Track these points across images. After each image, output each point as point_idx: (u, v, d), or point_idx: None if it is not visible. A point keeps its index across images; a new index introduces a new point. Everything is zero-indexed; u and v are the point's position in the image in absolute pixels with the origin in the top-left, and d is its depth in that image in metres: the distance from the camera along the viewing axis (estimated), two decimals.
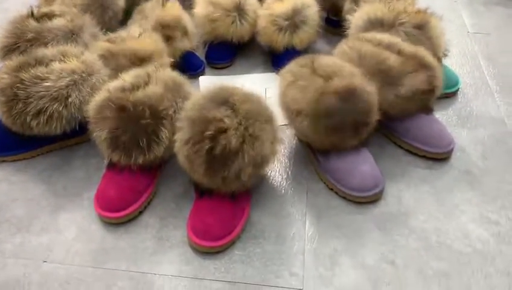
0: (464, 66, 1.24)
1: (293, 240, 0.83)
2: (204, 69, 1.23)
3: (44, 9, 1.08)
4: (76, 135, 0.98)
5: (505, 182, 0.93)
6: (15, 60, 0.93)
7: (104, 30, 1.15)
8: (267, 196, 0.91)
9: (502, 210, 0.88)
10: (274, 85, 1.15)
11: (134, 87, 0.88)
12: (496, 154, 0.99)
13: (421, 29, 1.06)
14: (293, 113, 0.90)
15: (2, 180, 0.95)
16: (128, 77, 0.90)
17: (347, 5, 1.25)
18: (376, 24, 1.08)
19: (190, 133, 0.81)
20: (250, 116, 0.81)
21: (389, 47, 0.98)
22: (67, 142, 1.00)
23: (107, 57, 1.03)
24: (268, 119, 0.85)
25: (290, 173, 0.96)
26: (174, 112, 0.87)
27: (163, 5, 1.17)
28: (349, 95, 0.85)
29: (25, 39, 1.02)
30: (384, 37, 1.01)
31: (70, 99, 0.90)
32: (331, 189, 0.91)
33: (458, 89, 1.14)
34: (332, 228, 0.85)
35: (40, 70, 0.90)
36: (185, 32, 1.17)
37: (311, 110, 0.86)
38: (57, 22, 1.05)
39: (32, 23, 1.04)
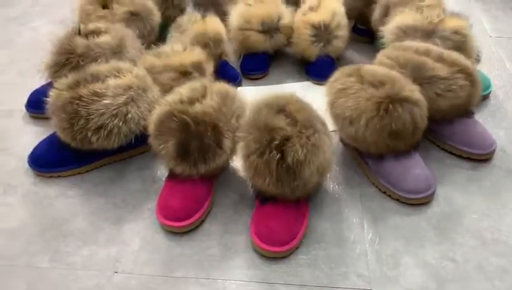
0: (491, 70, 1.28)
1: (354, 243, 0.86)
2: (241, 80, 1.26)
3: (91, 27, 1.11)
4: (130, 148, 1.00)
5: None
6: (71, 76, 0.96)
7: (144, 45, 1.18)
8: (323, 201, 0.94)
9: None
10: (311, 94, 1.19)
11: (192, 100, 0.90)
12: None
13: (456, 35, 1.10)
14: (345, 120, 0.93)
15: (59, 195, 0.97)
16: (184, 90, 0.93)
17: (376, 14, 1.29)
18: (411, 32, 1.12)
19: (256, 143, 0.83)
20: (308, 124, 0.85)
21: (428, 54, 1.02)
22: (120, 155, 1.02)
23: (154, 71, 1.06)
24: (323, 128, 0.88)
25: (341, 178, 0.99)
26: (233, 122, 0.90)
27: (202, 19, 1.20)
28: (405, 101, 0.89)
29: (76, 54, 1.04)
30: (421, 44, 1.05)
31: (129, 115, 0.93)
32: (384, 192, 0.94)
33: (490, 91, 1.18)
34: (390, 229, 0.88)
35: (98, 86, 0.93)
36: (223, 45, 1.20)
37: (369, 117, 0.89)
38: (104, 38, 1.08)
39: (81, 40, 1.07)
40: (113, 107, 0.92)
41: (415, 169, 0.92)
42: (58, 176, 1.00)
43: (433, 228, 0.88)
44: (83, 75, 0.95)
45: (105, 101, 0.92)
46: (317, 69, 1.25)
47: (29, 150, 1.04)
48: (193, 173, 0.89)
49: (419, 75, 0.97)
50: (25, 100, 1.19)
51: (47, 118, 1.12)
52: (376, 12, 1.28)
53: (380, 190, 0.95)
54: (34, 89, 1.18)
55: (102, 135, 0.92)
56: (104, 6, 1.24)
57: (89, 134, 0.92)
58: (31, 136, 1.11)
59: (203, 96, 0.92)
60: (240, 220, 0.90)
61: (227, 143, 0.88)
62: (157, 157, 0.92)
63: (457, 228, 0.88)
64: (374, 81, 0.93)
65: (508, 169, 0.99)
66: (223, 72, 1.21)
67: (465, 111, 1.00)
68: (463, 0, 1.63)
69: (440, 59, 1.00)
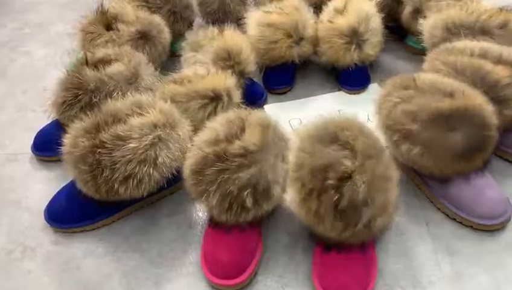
0: None
1: (432, 283, 0.76)
2: (266, 97, 1.15)
3: (99, 54, 0.98)
4: (159, 191, 0.89)
5: None
6: (87, 118, 0.83)
7: (158, 70, 1.06)
8: (387, 236, 0.83)
9: None
10: (348, 106, 1.09)
11: (230, 137, 0.78)
12: None
13: (504, 28, 0.99)
14: (402, 136, 0.82)
15: (87, 254, 0.85)
16: (219, 125, 0.81)
17: (406, 11, 1.17)
18: (456, 31, 1.01)
19: (309, 183, 0.72)
20: (369, 153, 0.73)
21: (485, 56, 0.91)
22: (149, 200, 0.91)
23: (178, 101, 0.93)
24: (384, 154, 0.77)
25: (401, 205, 0.88)
26: (279, 161, 0.79)
27: (221, 33, 1.07)
28: (477, 113, 0.78)
29: (88, 90, 0.91)
30: (474, 44, 0.94)
31: (160, 160, 0.80)
32: (454, 219, 0.84)
33: None
34: (468, 263, 0.78)
35: (120, 129, 0.80)
36: (248, 61, 1.08)
37: (437, 129, 0.78)
38: (117, 67, 0.96)
39: (91, 72, 0.94)
40: (140, 151, 0.79)
41: (488, 190, 0.82)
42: (82, 231, 0.88)
43: None
44: (101, 117, 0.83)
45: (130, 145, 0.79)
46: (350, 78, 1.14)
47: (43, 201, 0.92)
48: (240, 221, 0.77)
49: (481, 82, 0.86)
50: (28, 140, 1.06)
51: (58, 160, 1.02)
52: (407, 9, 1.17)
53: (448, 215, 0.85)
54: (40, 128, 1.05)
55: (130, 185, 0.80)
56: (108, 27, 1.11)
57: (116, 185, 0.80)
58: (43, 183, 0.99)
59: (242, 130, 0.80)
60: (298, 270, 0.79)
61: (277, 187, 0.77)
62: (195, 201, 0.81)
63: None
64: (435, 92, 0.82)
65: None
66: (248, 89, 1.09)
67: None
68: None
69: (499, 60, 0.89)
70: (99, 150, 0.78)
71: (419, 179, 0.89)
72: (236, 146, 0.76)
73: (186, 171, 0.78)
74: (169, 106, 0.88)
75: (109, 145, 0.79)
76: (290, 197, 0.78)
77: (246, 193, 0.74)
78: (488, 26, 0.99)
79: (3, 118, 1.17)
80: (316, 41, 1.15)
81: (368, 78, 1.15)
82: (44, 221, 0.89)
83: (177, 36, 1.23)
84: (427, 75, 0.87)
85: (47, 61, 1.36)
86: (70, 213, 0.87)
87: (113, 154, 0.78)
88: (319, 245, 0.77)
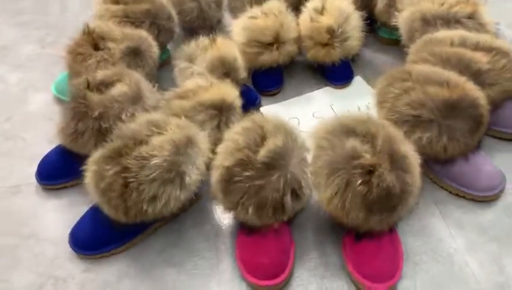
0: None
1: (451, 255, 0.84)
2: (260, 100, 1.19)
3: (99, 76, 0.97)
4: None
5: None
6: (107, 146, 0.84)
7: (154, 85, 1.06)
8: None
9: None
10: (342, 99, 1.14)
11: (252, 146, 0.82)
12: None
13: (474, 18, 1.09)
14: (408, 122, 0.89)
15: (121, 277, 0.85)
16: (238, 135, 0.84)
17: (380, 5, 1.25)
18: (432, 22, 1.10)
19: (336, 179, 0.77)
20: (390, 144, 0.79)
21: (464, 44, 1.00)
22: (171, 214, 0.92)
23: (186, 114, 0.95)
24: (404, 141, 0.83)
25: None
26: (302, 160, 0.84)
27: (214, 42, 1.09)
28: (471, 100, 0.87)
29: (95, 116, 0.91)
30: (452, 33, 1.03)
31: (185, 175, 0.82)
32: (456, 194, 0.93)
33: None
34: (477, 232, 0.87)
35: (144, 150, 0.81)
36: (242, 67, 1.11)
37: (442, 116, 0.87)
38: (120, 88, 0.96)
39: (95, 96, 0.93)
40: (165, 169, 0.80)
41: (486, 166, 0.91)
42: (112, 254, 0.89)
43: None
44: (121, 141, 0.83)
45: (154, 162, 0.80)
46: (335, 73, 1.20)
47: (61, 229, 0.93)
48: (273, 224, 0.82)
49: (466, 69, 0.95)
50: (26, 169, 1.05)
51: (64, 187, 1.01)
52: (380, 2, 1.25)
53: (451, 192, 0.94)
54: (42, 157, 1.03)
55: (158, 204, 0.81)
56: (96, 47, 1.10)
57: (144, 206, 0.81)
58: (55, 212, 0.97)
59: (263, 138, 0.84)
60: (329, 263, 0.85)
61: (305, 191, 0.82)
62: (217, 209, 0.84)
63: None
64: (433, 82, 0.90)
65: None
66: (243, 95, 1.12)
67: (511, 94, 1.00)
68: None
69: (477, 47, 0.99)
70: (125, 174, 0.80)
71: (424, 164, 0.96)
72: (262, 152, 0.80)
73: (215, 186, 0.82)
74: (184, 121, 0.90)
75: (134, 168, 0.80)
76: (315, 193, 0.83)
77: (278, 196, 0.79)
78: (458, 16, 1.08)
79: None
80: (299, 41, 1.20)
81: (352, 72, 1.22)
82: (70, 249, 0.89)
83: (161, 48, 1.23)
84: (419, 67, 0.95)
85: (24, 85, 1.31)
86: (97, 238, 0.88)
87: (139, 176, 0.80)
88: (348, 236, 0.83)
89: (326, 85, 1.22)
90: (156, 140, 0.84)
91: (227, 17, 1.43)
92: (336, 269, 0.84)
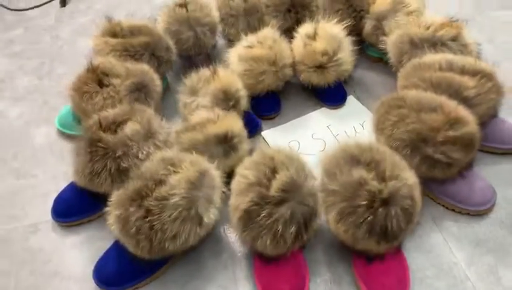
0: None
1: (452, 268, 0.92)
2: (261, 124, 1.24)
3: (110, 116, 1.01)
4: None
5: None
6: (128, 187, 0.88)
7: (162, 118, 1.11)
8: None
9: None
10: (335, 120, 1.23)
11: (264, 180, 0.87)
12: None
13: (457, 40, 1.17)
14: (407, 147, 0.96)
15: None
16: (248, 171, 0.89)
17: (367, 27, 1.32)
18: (419, 45, 1.17)
19: (344, 208, 0.84)
20: (395, 173, 0.86)
21: (451, 68, 1.07)
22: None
23: (198, 148, 1.01)
24: (406, 165, 0.90)
25: None
26: (312, 188, 0.90)
27: (215, 74, 1.14)
28: (462, 123, 0.94)
29: (115, 156, 0.95)
30: (439, 57, 1.10)
31: (202, 210, 0.88)
32: (452, 209, 1.01)
33: None
34: (474, 245, 0.95)
35: (164, 190, 0.86)
36: (244, 96, 1.16)
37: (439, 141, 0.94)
38: (132, 127, 1.00)
39: (110, 137, 0.97)
40: (183, 207, 0.85)
41: (478, 182, 0.99)
42: (136, 288, 0.93)
43: (509, 232, 0.96)
44: (141, 182, 0.88)
45: (173, 200, 0.85)
46: (329, 95, 1.27)
47: (83, 266, 0.97)
48: (288, 252, 0.88)
49: (455, 94, 1.02)
50: (41, 207, 1.09)
51: (80, 223, 1.05)
52: (368, 25, 1.31)
53: (447, 208, 1.01)
54: (56, 195, 1.06)
55: (180, 241, 0.87)
56: (100, 83, 1.13)
57: (167, 244, 0.86)
58: (75, 250, 1.01)
59: (274, 170, 0.89)
60: (342, 282, 0.92)
61: (317, 218, 0.88)
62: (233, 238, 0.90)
63: None
64: (427, 108, 0.97)
65: None
66: (245, 121, 1.17)
67: (495, 112, 1.08)
68: None
69: (463, 71, 1.06)
70: (149, 217, 0.84)
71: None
72: (275, 187, 0.85)
73: (235, 226, 0.87)
74: (196, 156, 0.95)
75: (157, 210, 0.85)
76: (326, 220, 0.89)
77: (293, 227, 0.85)
78: (443, 39, 1.15)
79: (5, 188, 1.16)
80: (294, 66, 1.26)
81: (345, 93, 1.29)
82: (94, 286, 0.93)
83: (161, 78, 1.27)
84: (412, 93, 1.02)
85: (25, 120, 1.34)
86: (122, 274, 0.92)
87: (162, 217, 0.85)
88: (359, 258, 0.90)
89: (321, 106, 1.29)
90: (173, 179, 0.88)
91: (220, 40, 1.48)
92: (349, 289, 0.91)
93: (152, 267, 0.93)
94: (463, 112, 0.97)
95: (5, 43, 1.65)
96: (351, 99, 1.29)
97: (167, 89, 1.36)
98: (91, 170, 0.96)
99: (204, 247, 0.99)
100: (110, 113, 1.03)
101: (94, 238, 1.03)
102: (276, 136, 1.21)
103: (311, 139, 1.20)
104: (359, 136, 1.18)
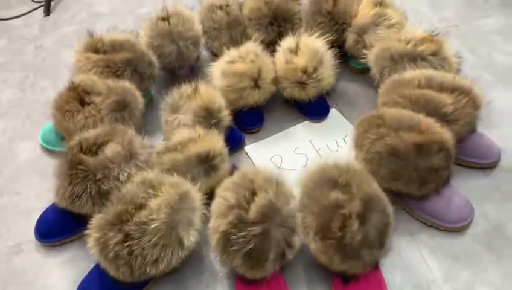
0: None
1: (430, 286, 0.93)
2: (244, 139, 1.25)
3: (91, 137, 1.01)
4: None
5: None
6: (109, 211, 0.89)
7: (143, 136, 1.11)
8: None
9: None
10: (317, 134, 1.26)
11: (243, 203, 0.88)
12: None
13: (437, 55, 1.18)
14: (384, 163, 0.98)
15: None
16: (228, 192, 0.90)
17: (350, 41, 1.32)
18: (399, 60, 1.18)
19: (320, 230, 0.86)
20: (367, 194, 0.88)
21: (430, 84, 1.08)
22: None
23: (178, 168, 1.01)
24: (380, 191, 0.92)
25: None
26: (292, 210, 0.91)
27: (197, 92, 1.14)
28: (439, 142, 0.96)
29: (96, 179, 0.96)
30: (419, 74, 1.11)
31: (183, 233, 0.89)
32: (430, 225, 1.02)
33: None
34: (451, 261, 0.96)
35: (143, 215, 0.87)
36: (225, 112, 1.16)
37: (415, 158, 0.95)
38: (113, 148, 1.00)
39: (91, 159, 0.98)
40: (163, 231, 0.86)
41: (456, 198, 1.01)
42: None
43: (486, 249, 0.98)
44: (121, 206, 0.88)
45: (153, 225, 0.86)
46: (312, 109, 1.27)
47: (65, 288, 0.98)
48: (268, 276, 0.89)
49: (433, 111, 1.04)
50: (25, 226, 1.09)
51: (63, 243, 1.06)
52: (350, 38, 1.32)
53: (425, 224, 1.03)
54: (39, 215, 1.07)
55: (161, 265, 0.88)
56: (81, 102, 1.13)
57: (148, 269, 0.87)
58: (58, 269, 1.02)
59: (253, 192, 0.90)
60: None
61: (297, 240, 0.89)
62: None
63: (505, 242, 0.99)
64: (404, 127, 0.98)
65: None
66: (228, 136, 1.18)
67: (473, 128, 1.10)
68: None
69: (442, 88, 1.08)
70: (128, 242, 0.85)
71: (399, 200, 1.05)
72: (253, 210, 0.87)
73: (214, 248, 0.89)
74: (176, 178, 0.96)
75: (136, 235, 0.86)
76: (305, 241, 0.91)
77: (273, 249, 0.86)
78: (424, 54, 1.17)
79: None
80: (276, 80, 1.26)
81: (327, 106, 1.30)
82: None
83: (144, 93, 1.27)
84: (391, 111, 1.03)
85: (9, 135, 1.33)
86: None
87: (141, 242, 0.85)
88: (337, 278, 0.91)
89: (304, 119, 1.29)
90: (153, 203, 0.89)
91: (204, 51, 1.48)
92: None
93: (134, 288, 0.94)
94: (439, 129, 0.98)
95: None
96: (333, 113, 1.30)
97: (150, 102, 1.37)
98: (71, 193, 0.96)
99: (186, 266, 1.00)
100: (91, 134, 1.03)
101: (77, 258, 1.03)
102: (259, 151, 1.22)
103: (293, 154, 1.21)
104: (341, 150, 1.19)
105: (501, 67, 1.38)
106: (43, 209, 1.08)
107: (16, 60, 1.60)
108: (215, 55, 1.39)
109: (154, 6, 1.77)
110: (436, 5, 1.65)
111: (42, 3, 1.82)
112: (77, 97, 1.13)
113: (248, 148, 1.23)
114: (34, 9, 1.82)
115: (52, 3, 1.83)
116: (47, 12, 1.79)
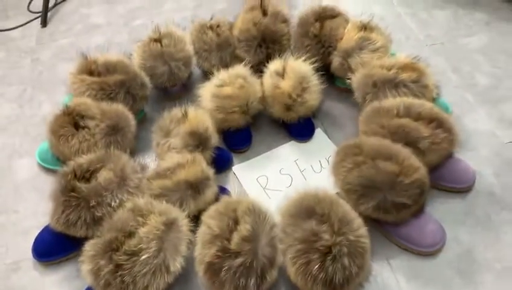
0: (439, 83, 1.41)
1: None
2: (232, 159, 1.30)
3: (84, 164, 1.07)
4: None
5: None
6: (99, 240, 0.95)
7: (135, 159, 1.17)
8: None
9: None
10: (302, 155, 1.32)
11: (226, 233, 0.94)
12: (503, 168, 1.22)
13: (418, 82, 1.23)
14: (363, 195, 1.04)
15: None
16: (213, 221, 0.96)
17: (335, 63, 1.37)
18: (381, 86, 1.23)
19: (298, 258, 0.92)
20: (345, 224, 0.94)
21: (409, 113, 1.13)
22: None
23: (167, 194, 1.07)
24: (357, 219, 0.98)
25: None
26: (273, 239, 0.97)
27: (185, 116, 1.20)
28: (414, 173, 1.02)
29: (89, 206, 1.02)
30: (399, 102, 1.16)
31: (170, 261, 0.95)
32: (405, 249, 1.08)
33: (451, 113, 1.34)
34: (422, 284, 1.03)
35: (133, 244, 0.93)
36: (213, 135, 1.22)
37: (390, 188, 1.01)
38: (106, 175, 1.06)
39: (83, 186, 1.03)
40: (152, 261, 0.93)
41: (429, 225, 1.07)
42: None
43: (455, 273, 1.04)
44: (112, 234, 0.94)
45: (144, 257, 0.93)
46: (298, 130, 1.33)
47: None
48: None
49: (411, 142, 1.09)
50: (23, 244, 1.15)
51: (59, 262, 1.12)
52: (335, 61, 1.36)
53: (400, 247, 1.09)
54: (36, 235, 1.13)
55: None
56: (76, 125, 1.19)
57: None
58: (55, 287, 1.08)
59: (236, 222, 0.96)
60: None
61: (275, 264, 0.95)
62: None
63: (473, 266, 1.05)
64: (382, 157, 1.04)
65: (488, 192, 1.17)
66: (216, 157, 1.23)
67: (448, 155, 1.15)
68: (388, 7, 1.76)
69: (419, 117, 1.13)
70: (120, 272, 0.91)
71: (374, 222, 1.11)
72: (235, 240, 0.93)
73: (202, 278, 0.95)
74: (165, 206, 1.02)
75: (127, 265, 0.92)
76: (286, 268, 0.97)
77: (253, 281, 0.92)
78: (405, 81, 1.21)
79: None
80: (264, 101, 1.32)
81: (313, 127, 1.35)
82: None
83: (136, 113, 1.32)
84: (370, 141, 1.09)
85: (8, 152, 1.39)
86: None
87: (132, 272, 0.92)
88: None
89: (291, 139, 1.35)
90: (142, 231, 0.95)
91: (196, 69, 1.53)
92: None
93: None
94: (415, 161, 1.04)
95: None
96: (318, 133, 1.35)
97: (143, 119, 1.42)
98: (65, 219, 1.02)
99: (173, 286, 1.06)
100: (84, 159, 1.09)
101: (72, 276, 1.10)
102: (246, 172, 1.28)
103: (279, 174, 1.27)
104: (323, 171, 1.25)
105: (481, 89, 1.42)
106: (41, 228, 1.14)
107: (13, 74, 1.65)
108: (206, 73, 1.44)
109: (149, 18, 1.83)
110: (424, 21, 1.69)
111: (39, 14, 1.85)
112: (72, 121, 1.19)
113: (235, 168, 1.29)
114: (31, 20, 1.86)
115: (49, 14, 1.87)
116: (44, 23, 1.83)
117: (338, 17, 1.41)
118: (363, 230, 0.97)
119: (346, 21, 1.40)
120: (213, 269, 0.92)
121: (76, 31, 1.81)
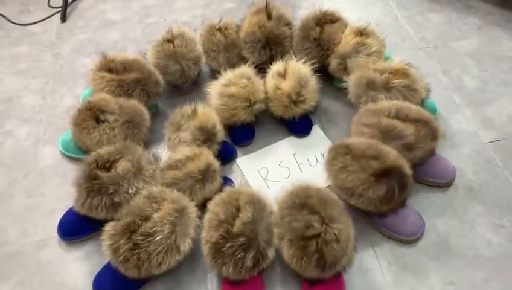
0: (430, 85, 1.51)
1: (382, 288, 1.14)
2: (236, 152, 1.43)
3: (104, 155, 1.21)
4: None
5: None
6: (120, 223, 1.08)
7: (149, 152, 1.30)
8: None
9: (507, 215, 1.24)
10: (300, 149, 1.45)
11: (230, 219, 1.08)
12: (482, 166, 1.34)
13: (409, 86, 1.34)
14: (348, 191, 1.17)
15: None
16: (218, 208, 1.10)
17: (333, 64, 1.49)
18: (374, 88, 1.35)
19: (294, 243, 1.06)
20: (333, 216, 1.07)
21: (398, 115, 1.26)
22: None
23: (178, 183, 1.21)
24: (342, 209, 1.11)
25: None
26: (270, 225, 1.11)
27: (195, 113, 1.33)
28: (395, 171, 1.14)
29: (108, 193, 1.16)
30: (390, 105, 1.28)
31: (180, 241, 1.09)
32: (388, 237, 1.22)
33: (438, 114, 1.46)
34: (402, 269, 1.16)
35: (148, 227, 1.07)
36: (220, 130, 1.35)
37: (366, 188, 1.14)
38: (124, 166, 1.19)
39: (105, 175, 1.17)
40: (164, 241, 1.06)
41: (410, 217, 1.20)
42: None
43: (432, 258, 1.17)
44: (130, 218, 1.08)
45: (158, 238, 1.06)
46: (296, 126, 1.46)
47: (83, 279, 1.19)
48: (247, 277, 1.09)
49: (396, 139, 1.22)
50: (49, 224, 1.30)
51: (81, 240, 1.26)
52: (333, 63, 1.48)
53: (384, 235, 1.22)
54: (61, 216, 1.27)
55: (163, 267, 1.09)
56: (96, 118, 1.32)
57: (153, 270, 1.08)
58: (77, 263, 1.23)
59: (238, 209, 1.10)
60: None
61: (271, 251, 1.09)
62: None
63: (448, 253, 1.18)
64: (368, 156, 1.16)
65: (468, 188, 1.30)
66: (222, 150, 1.37)
67: (432, 152, 1.27)
68: (386, 10, 1.87)
69: (406, 118, 1.25)
70: (137, 250, 1.05)
71: (362, 212, 1.24)
72: (237, 225, 1.07)
73: (206, 256, 1.09)
74: (176, 194, 1.15)
75: (143, 244, 1.06)
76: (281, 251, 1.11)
77: (252, 257, 1.06)
78: (397, 86, 1.33)
79: (17, 205, 1.37)
80: (266, 100, 1.44)
81: (311, 124, 1.47)
82: None
83: (150, 107, 1.46)
84: (358, 141, 1.21)
85: (33, 140, 1.53)
86: (115, 288, 1.14)
87: (148, 250, 1.06)
88: (304, 281, 1.12)
89: (290, 135, 1.48)
90: (156, 216, 1.09)
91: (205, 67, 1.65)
92: None
93: (140, 282, 1.15)
94: (400, 161, 1.16)
95: (11, 60, 1.81)
96: (315, 129, 1.48)
97: (156, 113, 1.55)
98: (89, 205, 1.16)
99: (182, 264, 1.20)
100: (105, 151, 1.23)
101: (92, 254, 1.24)
102: (249, 163, 1.41)
103: (278, 167, 1.40)
104: (318, 165, 1.38)
105: (468, 91, 1.54)
106: (64, 210, 1.29)
107: (36, 67, 1.78)
108: (214, 71, 1.57)
109: (161, 16, 1.94)
110: (420, 24, 1.79)
111: (59, 10, 1.98)
112: (93, 115, 1.32)
113: (239, 160, 1.42)
114: (51, 16, 1.98)
115: (68, 9, 1.99)
116: (63, 18, 1.95)
117: (338, 22, 1.52)
118: (348, 220, 1.10)
119: (345, 26, 1.52)
120: (216, 248, 1.06)
121: (93, 27, 1.94)
